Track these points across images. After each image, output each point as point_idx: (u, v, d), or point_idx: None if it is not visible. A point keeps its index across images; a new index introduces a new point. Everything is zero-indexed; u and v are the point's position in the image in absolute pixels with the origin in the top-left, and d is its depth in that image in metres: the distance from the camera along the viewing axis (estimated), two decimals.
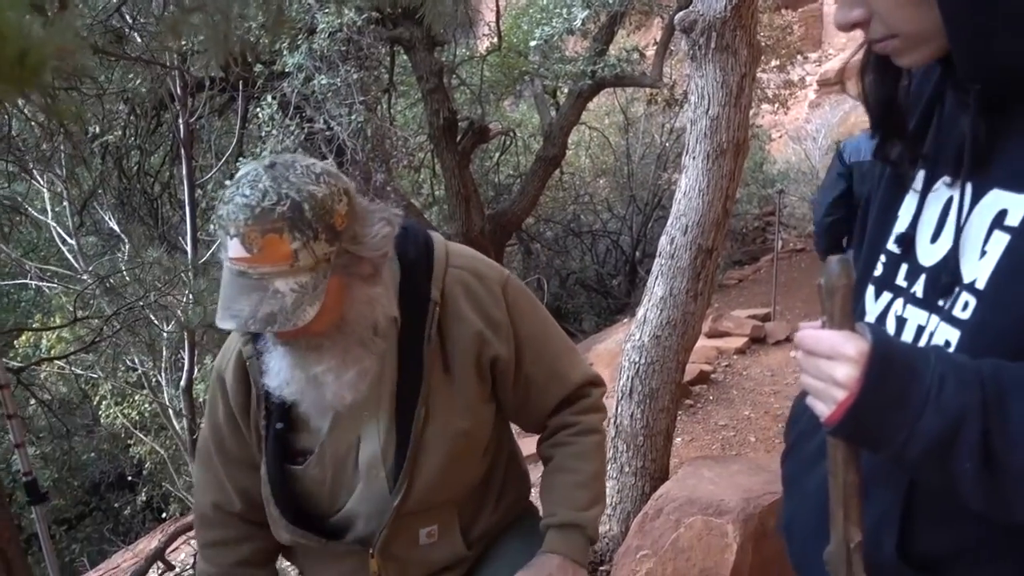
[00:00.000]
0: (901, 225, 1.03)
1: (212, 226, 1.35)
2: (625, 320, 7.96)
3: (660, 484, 3.05)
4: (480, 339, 1.50)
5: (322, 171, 1.29)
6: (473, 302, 1.51)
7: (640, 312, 3.13)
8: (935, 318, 0.94)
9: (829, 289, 0.89)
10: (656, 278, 3.07)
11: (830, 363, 0.87)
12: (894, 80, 1.01)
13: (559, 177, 10.01)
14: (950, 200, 0.95)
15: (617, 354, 6.11)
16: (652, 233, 10.76)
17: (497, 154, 9.82)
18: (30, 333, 6.11)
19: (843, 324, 0.89)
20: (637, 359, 3.11)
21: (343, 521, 1.56)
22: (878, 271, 1.05)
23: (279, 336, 1.34)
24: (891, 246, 1.04)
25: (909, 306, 0.99)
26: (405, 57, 7.13)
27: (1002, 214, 0.87)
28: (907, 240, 1.01)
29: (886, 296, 1.03)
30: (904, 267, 1.01)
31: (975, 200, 0.91)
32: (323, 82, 5.59)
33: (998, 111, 0.88)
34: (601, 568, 3.02)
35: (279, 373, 1.38)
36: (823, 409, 0.88)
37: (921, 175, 1.01)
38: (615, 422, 3.16)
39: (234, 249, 1.22)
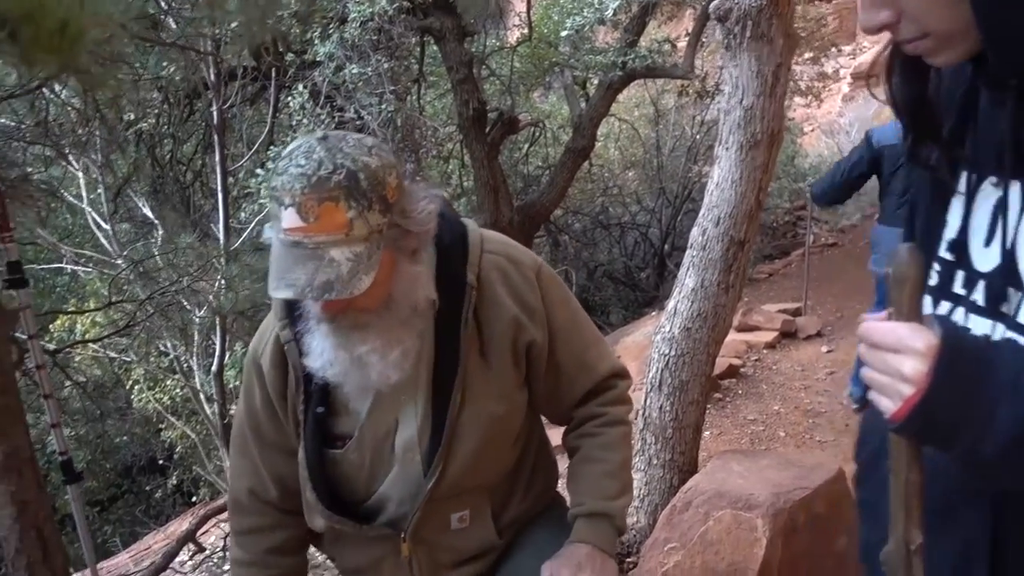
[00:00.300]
0: (951, 231, 0.98)
1: (262, 199, 1.37)
2: (653, 313, 7.92)
3: (688, 477, 3.03)
4: (516, 324, 1.50)
5: (373, 144, 1.31)
6: (509, 287, 1.51)
7: (670, 304, 3.11)
8: (1000, 326, 0.91)
9: (898, 279, 0.85)
10: (687, 270, 3.04)
11: (897, 357, 0.83)
12: (923, 80, 0.97)
13: (588, 169, 9.95)
14: (999, 201, 0.91)
15: (645, 347, 6.08)
16: (681, 226, 10.67)
17: (526, 145, 9.78)
18: (65, 317, 6.21)
19: (911, 316, 0.85)
20: (667, 351, 3.09)
21: (376, 504, 1.56)
22: (933, 280, 1.00)
23: (326, 312, 1.34)
24: (944, 253, 0.99)
25: (972, 315, 0.95)
26: (435, 47, 7.12)
27: None
28: (959, 246, 0.96)
29: (945, 306, 0.99)
30: (960, 274, 0.97)
31: (1004, 194, 0.88)
32: (354, 71, 5.60)
33: None
34: (628, 560, 3.01)
35: (322, 354, 1.38)
36: (888, 405, 0.84)
37: (965, 177, 0.97)
38: (644, 414, 3.14)
39: (289, 219, 1.24)
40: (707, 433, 4.22)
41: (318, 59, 5.80)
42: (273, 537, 1.63)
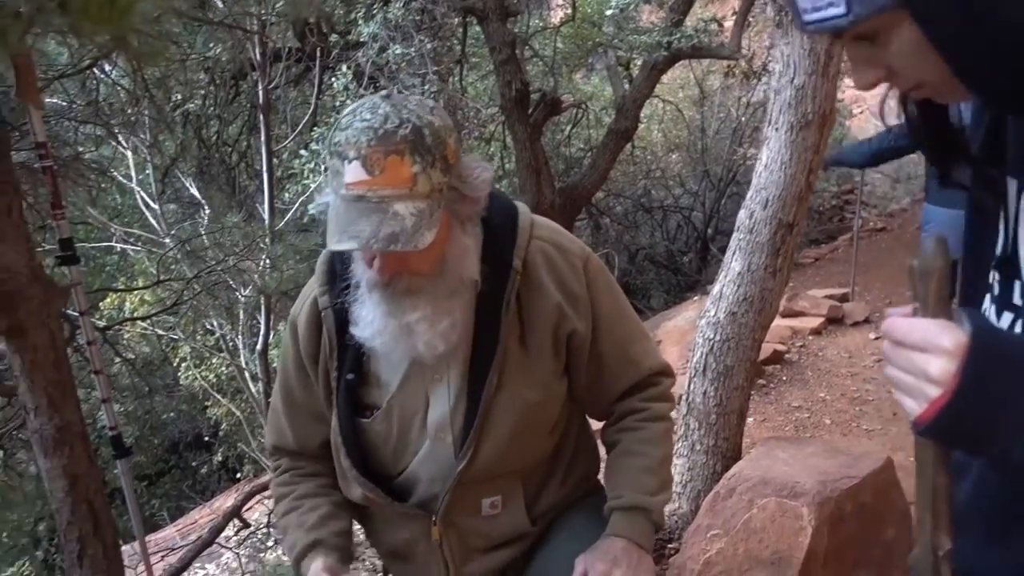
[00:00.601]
0: (1002, 240, 0.94)
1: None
2: (695, 298, 7.83)
3: (732, 464, 2.99)
4: (559, 311, 1.48)
5: (434, 106, 1.32)
6: (554, 274, 1.49)
7: (716, 288, 3.06)
8: None
9: (924, 271, 0.80)
10: (733, 253, 2.99)
11: (923, 355, 0.78)
12: (939, 108, 0.93)
13: (630, 151, 9.85)
14: None
15: (687, 332, 6.02)
16: (725, 210, 10.52)
17: (568, 127, 9.71)
18: (115, 295, 6.34)
19: (938, 311, 0.79)
20: (711, 336, 3.04)
21: (407, 482, 1.56)
22: (995, 290, 0.96)
23: (384, 273, 1.34)
24: (999, 263, 0.95)
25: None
26: (478, 28, 7.09)
27: None
28: (1012, 256, 0.92)
29: (1007, 316, 0.94)
30: (1018, 284, 0.92)
31: None
32: (397, 52, 5.59)
33: None
34: (670, 546, 2.99)
35: (372, 322, 1.39)
36: (913, 406, 0.80)
37: (1013, 185, 0.92)
38: (687, 399, 3.11)
39: (353, 173, 1.24)
40: (751, 419, 4.16)
41: (361, 40, 5.80)
42: (305, 484, 1.63)
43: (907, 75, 0.83)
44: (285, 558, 4.25)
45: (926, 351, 0.78)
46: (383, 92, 1.34)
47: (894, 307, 0.86)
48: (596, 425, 1.80)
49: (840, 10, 0.76)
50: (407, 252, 1.28)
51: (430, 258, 1.33)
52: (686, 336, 5.99)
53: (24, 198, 2.26)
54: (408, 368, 1.48)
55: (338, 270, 1.49)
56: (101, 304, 6.36)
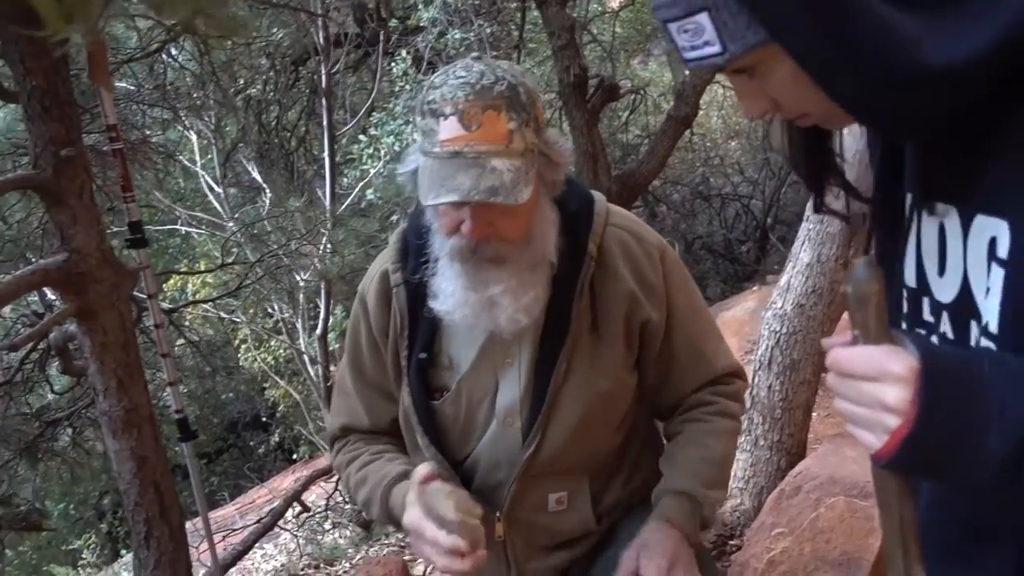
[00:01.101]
0: (908, 259, 0.92)
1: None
2: (754, 288, 7.68)
3: (796, 460, 2.91)
4: (632, 299, 1.44)
5: (523, 70, 1.33)
6: (630, 262, 1.46)
7: (783, 279, 2.97)
8: None
9: (859, 298, 0.76)
10: (802, 243, 2.90)
11: (874, 385, 0.74)
12: (822, 133, 0.93)
13: (689, 138, 9.68)
14: (941, 228, 0.86)
15: (745, 322, 5.90)
16: (786, 198, 10.29)
17: (626, 113, 9.59)
18: (177, 277, 6.48)
19: (880, 338, 0.76)
20: (778, 328, 2.96)
21: (470, 469, 1.53)
22: (904, 307, 0.95)
23: (474, 235, 1.31)
24: (908, 281, 0.92)
25: (944, 345, 0.88)
26: (536, 12, 7.03)
27: (993, 243, 0.77)
28: (920, 274, 0.90)
29: (920, 333, 0.91)
30: (926, 301, 0.91)
31: (965, 229, 0.81)
32: (456, 37, 5.57)
33: (950, 136, 0.80)
34: (731, 542, 2.93)
35: (452, 295, 1.36)
36: (870, 440, 0.76)
37: (910, 201, 0.90)
38: (751, 393, 3.02)
39: (449, 129, 1.24)
40: (814, 414, 4.06)
41: (421, 24, 5.80)
42: (383, 445, 1.60)
43: (791, 106, 0.84)
44: (342, 541, 4.31)
45: (877, 380, 0.74)
46: (472, 55, 1.33)
47: (829, 337, 0.84)
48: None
49: (716, 48, 0.77)
50: (498, 215, 1.27)
51: (520, 223, 1.31)
52: (744, 327, 5.88)
53: (93, 181, 2.28)
54: (480, 350, 1.45)
55: (412, 247, 1.47)
56: (164, 286, 6.49)
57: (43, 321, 2.40)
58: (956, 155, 0.80)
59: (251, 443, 8.72)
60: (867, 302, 0.76)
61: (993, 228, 0.77)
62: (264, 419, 8.16)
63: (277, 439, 7.86)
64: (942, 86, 0.74)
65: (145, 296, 2.53)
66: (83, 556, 7.37)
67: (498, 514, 1.51)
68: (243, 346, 6.65)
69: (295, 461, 7.40)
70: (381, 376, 1.55)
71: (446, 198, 1.24)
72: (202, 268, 5.90)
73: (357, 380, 1.59)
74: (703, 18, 0.76)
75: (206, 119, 4.98)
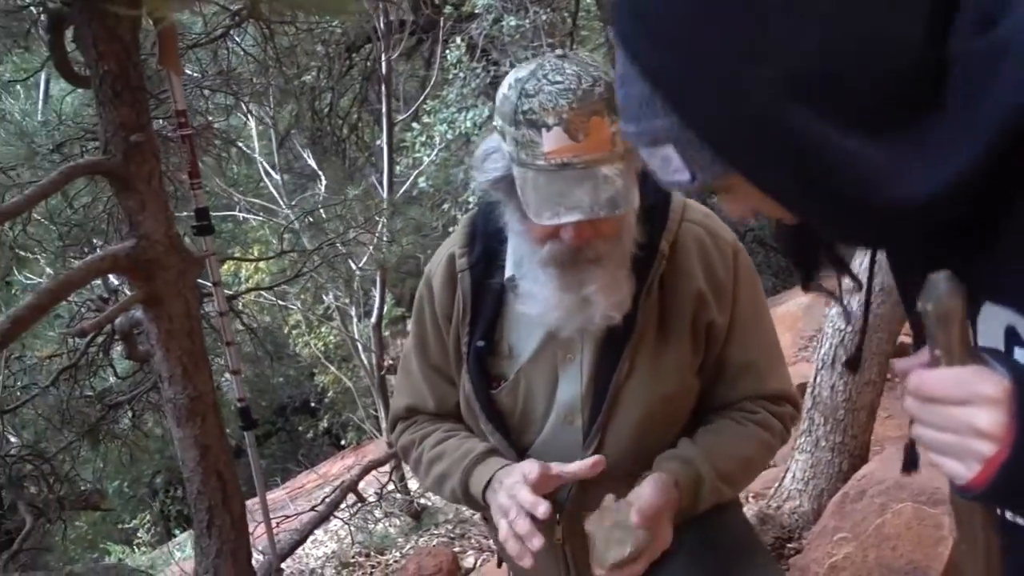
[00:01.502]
0: None
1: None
2: None
3: (859, 462, 2.84)
4: (700, 299, 1.40)
5: (602, 61, 1.27)
6: (703, 259, 1.41)
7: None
8: None
9: (940, 315, 0.70)
10: None
11: (965, 409, 0.68)
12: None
13: None
14: None
15: (799, 317, 5.78)
16: None
17: None
18: (230, 263, 6.55)
19: (965, 358, 0.70)
20: (843, 326, 2.88)
21: None
22: None
23: (578, 240, 1.28)
24: None
25: None
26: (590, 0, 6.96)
27: (1012, 332, 0.73)
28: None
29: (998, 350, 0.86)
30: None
31: (972, 316, 0.76)
32: (511, 24, 5.53)
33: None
34: (789, 545, 2.86)
35: (547, 299, 1.33)
36: (959, 469, 0.70)
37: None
38: (812, 392, 2.96)
39: (554, 140, 1.19)
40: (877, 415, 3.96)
41: (475, 11, 5.77)
42: (454, 424, 1.57)
43: (770, 212, 0.83)
44: (392, 530, 4.33)
45: (968, 403, 0.68)
46: (556, 52, 1.26)
47: (900, 358, 0.79)
48: None
49: (686, 177, 0.79)
50: (603, 218, 1.23)
51: (619, 221, 1.28)
52: (798, 322, 5.76)
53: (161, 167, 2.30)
54: (541, 341, 1.42)
55: (479, 232, 1.45)
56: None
57: (111, 307, 2.43)
58: (956, 242, 0.75)
59: (299, 428, 8.83)
60: (950, 319, 0.70)
61: (1008, 317, 0.73)
62: (313, 404, 8.25)
63: (325, 424, 7.94)
64: (927, 213, 0.70)
65: (210, 284, 2.55)
66: (137, 535, 7.55)
67: (558, 516, 1.48)
68: (294, 332, 6.71)
69: (343, 447, 7.48)
70: (443, 360, 1.53)
71: (568, 217, 1.19)
72: (255, 254, 5.96)
73: (422, 362, 1.57)
74: (669, 151, 0.77)
75: (266, 105, 5.01)
